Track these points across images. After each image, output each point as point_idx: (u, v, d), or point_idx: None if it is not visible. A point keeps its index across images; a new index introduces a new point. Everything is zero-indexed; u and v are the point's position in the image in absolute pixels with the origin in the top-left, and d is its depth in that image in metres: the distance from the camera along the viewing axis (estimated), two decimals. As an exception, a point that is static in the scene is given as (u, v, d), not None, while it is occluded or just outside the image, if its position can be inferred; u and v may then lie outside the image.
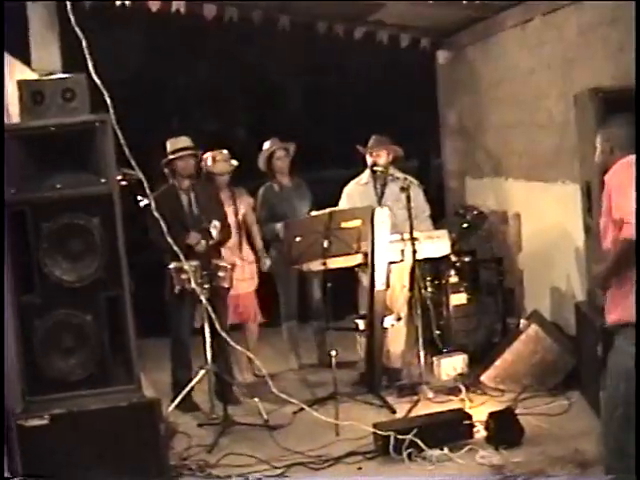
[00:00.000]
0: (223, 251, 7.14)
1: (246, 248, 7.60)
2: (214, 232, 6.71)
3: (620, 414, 4.34)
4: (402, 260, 6.81)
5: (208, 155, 7.37)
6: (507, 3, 7.71)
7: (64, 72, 6.37)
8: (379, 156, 7.18)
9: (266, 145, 7.73)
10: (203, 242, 6.66)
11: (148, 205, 6.29)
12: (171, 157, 6.85)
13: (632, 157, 4.34)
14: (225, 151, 7.46)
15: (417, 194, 7.07)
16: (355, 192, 7.34)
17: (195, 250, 6.57)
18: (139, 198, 6.50)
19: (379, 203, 7.02)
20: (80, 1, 6.65)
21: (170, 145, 6.90)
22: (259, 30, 8.50)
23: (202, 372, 6.52)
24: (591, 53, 6.62)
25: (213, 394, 6.56)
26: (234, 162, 7.46)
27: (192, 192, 6.89)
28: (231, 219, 7.33)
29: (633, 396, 4.24)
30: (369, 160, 7.23)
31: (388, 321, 6.87)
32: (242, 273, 7.41)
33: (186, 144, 6.91)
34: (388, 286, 6.73)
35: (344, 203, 7.31)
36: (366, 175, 7.33)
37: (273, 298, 7.82)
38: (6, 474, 4.31)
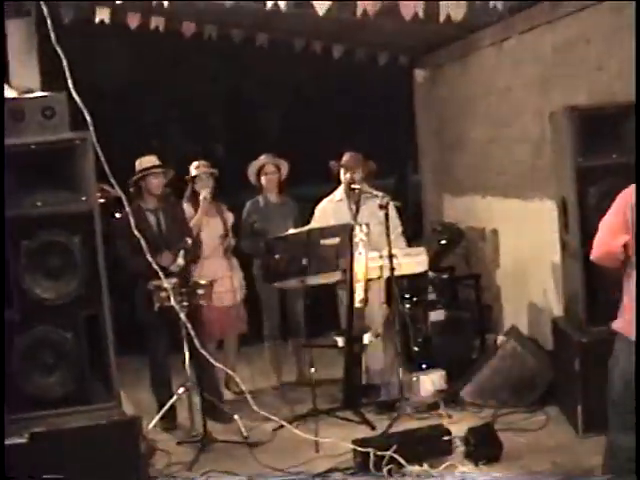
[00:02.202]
0: (207, 263, 7.16)
1: (232, 259, 7.60)
2: (185, 253, 6.72)
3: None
4: (380, 277, 6.84)
5: (194, 165, 7.42)
6: (484, 22, 7.78)
7: (43, 89, 6.37)
8: (354, 172, 7.20)
9: (259, 159, 7.77)
10: (180, 261, 6.67)
11: (119, 222, 6.32)
12: (144, 173, 6.83)
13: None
14: (204, 162, 7.50)
15: (392, 212, 7.08)
16: (329, 209, 7.35)
17: (169, 270, 6.55)
18: (117, 216, 6.51)
19: (355, 220, 7.03)
20: (58, 18, 6.64)
21: (139, 164, 6.90)
22: (238, 47, 8.53)
23: (181, 390, 6.52)
24: (567, 71, 6.70)
25: (194, 412, 6.55)
26: (214, 170, 7.48)
27: (160, 212, 6.89)
28: (218, 231, 7.39)
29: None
30: (343, 177, 7.26)
31: (367, 338, 6.88)
32: (230, 284, 7.42)
33: (154, 162, 6.91)
34: (366, 303, 6.76)
35: (317, 220, 7.31)
36: (340, 192, 7.35)
37: (255, 313, 7.81)
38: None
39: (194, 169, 7.43)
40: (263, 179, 7.69)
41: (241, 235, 7.68)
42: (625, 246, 4.38)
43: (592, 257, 4.60)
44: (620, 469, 4.47)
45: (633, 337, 4.33)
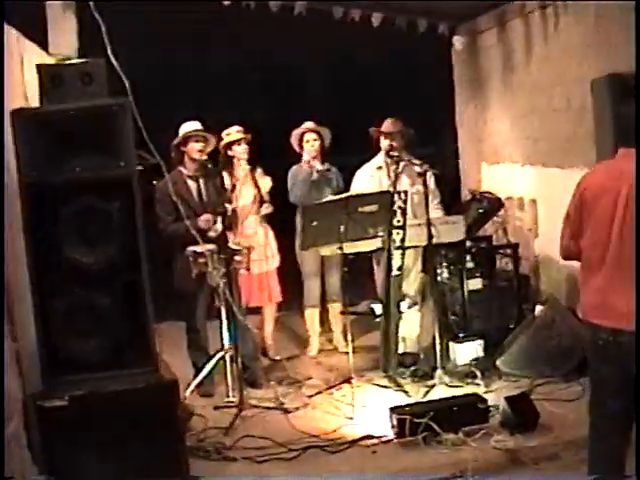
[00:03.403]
0: (242, 230, 7.18)
1: (267, 227, 7.62)
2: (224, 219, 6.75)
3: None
4: (418, 245, 6.83)
5: (225, 132, 7.44)
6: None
7: (80, 57, 6.39)
8: (393, 139, 7.16)
9: (301, 127, 7.76)
10: (219, 226, 6.68)
11: (159, 187, 6.34)
12: (186, 136, 6.86)
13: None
14: (237, 127, 7.52)
15: (430, 180, 7.05)
16: (368, 176, 7.33)
17: (207, 235, 6.59)
18: (155, 183, 6.53)
19: (394, 187, 7.01)
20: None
21: (183, 128, 6.94)
22: (276, 16, 8.49)
23: (218, 355, 6.57)
24: (609, 39, 6.60)
25: (231, 377, 6.60)
26: (247, 135, 7.49)
27: (200, 178, 6.91)
28: (251, 196, 7.42)
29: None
30: (383, 143, 7.23)
31: (404, 306, 6.88)
32: (264, 252, 7.45)
33: (197, 127, 6.94)
34: (404, 271, 6.75)
35: (356, 187, 7.29)
36: (379, 159, 7.32)
37: (292, 281, 7.83)
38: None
39: (226, 135, 7.45)
40: (305, 147, 7.69)
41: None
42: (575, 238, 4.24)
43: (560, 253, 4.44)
44: None
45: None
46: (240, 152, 7.39)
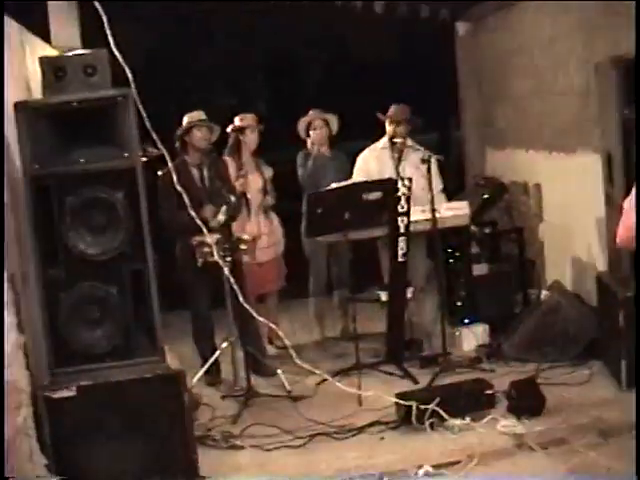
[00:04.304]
0: (247, 218, 7.19)
1: (270, 215, 7.63)
2: (228, 208, 6.76)
3: None
4: (423, 231, 6.83)
5: (239, 117, 7.47)
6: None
7: (83, 48, 6.39)
8: (399, 125, 7.16)
9: (308, 114, 7.76)
10: (221, 217, 6.69)
11: (163, 176, 6.35)
12: (190, 125, 6.86)
13: None
14: (251, 114, 7.57)
15: (433, 167, 7.03)
16: (371, 158, 7.29)
17: (210, 225, 6.58)
18: (159, 173, 6.54)
19: (397, 172, 7.01)
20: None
21: (187, 117, 6.94)
22: (278, 3, 8.49)
23: (225, 344, 6.58)
24: (613, 21, 6.57)
25: (238, 366, 6.61)
26: (261, 126, 7.52)
27: (204, 167, 6.91)
28: (257, 186, 7.43)
29: None
30: (388, 128, 7.22)
31: (410, 292, 6.89)
32: (266, 241, 7.46)
33: (201, 117, 6.94)
34: (409, 257, 6.76)
35: (360, 169, 7.28)
36: (383, 141, 7.30)
37: (298, 268, 7.84)
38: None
39: (239, 121, 7.46)
40: (312, 134, 7.69)
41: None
42: None
43: (618, 241, 4.16)
44: None
45: None
46: (250, 140, 7.41)
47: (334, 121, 7.76)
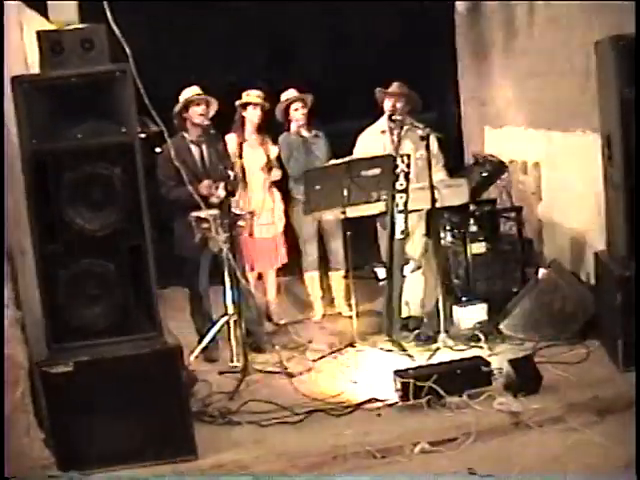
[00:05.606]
0: (249, 194, 7.18)
1: (274, 191, 7.63)
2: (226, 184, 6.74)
3: None
4: (421, 209, 6.82)
5: (245, 92, 7.49)
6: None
7: (81, 23, 6.36)
8: (398, 101, 7.13)
9: (284, 96, 7.71)
10: (221, 192, 6.67)
11: (161, 152, 6.34)
12: (187, 101, 6.85)
13: None
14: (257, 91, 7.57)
15: (433, 144, 7.02)
16: (371, 139, 7.29)
17: (209, 200, 6.57)
18: (157, 150, 6.52)
19: (396, 151, 6.99)
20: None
21: (184, 94, 6.92)
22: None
23: (222, 320, 6.59)
24: (614, 1, 6.53)
25: (235, 342, 6.62)
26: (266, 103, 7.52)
27: (203, 144, 6.90)
28: (260, 163, 7.44)
29: None
30: (387, 106, 7.19)
31: (407, 270, 6.89)
32: (271, 217, 7.49)
33: (197, 92, 6.93)
34: (407, 235, 6.75)
35: (359, 150, 7.26)
36: (382, 122, 7.28)
37: (296, 246, 7.83)
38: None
39: (246, 96, 7.46)
40: (295, 114, 7.65)
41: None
42: None
43: None
44: None
45: None
46: (253, 115, 7.43)
47: (310, 99, 7.72)
